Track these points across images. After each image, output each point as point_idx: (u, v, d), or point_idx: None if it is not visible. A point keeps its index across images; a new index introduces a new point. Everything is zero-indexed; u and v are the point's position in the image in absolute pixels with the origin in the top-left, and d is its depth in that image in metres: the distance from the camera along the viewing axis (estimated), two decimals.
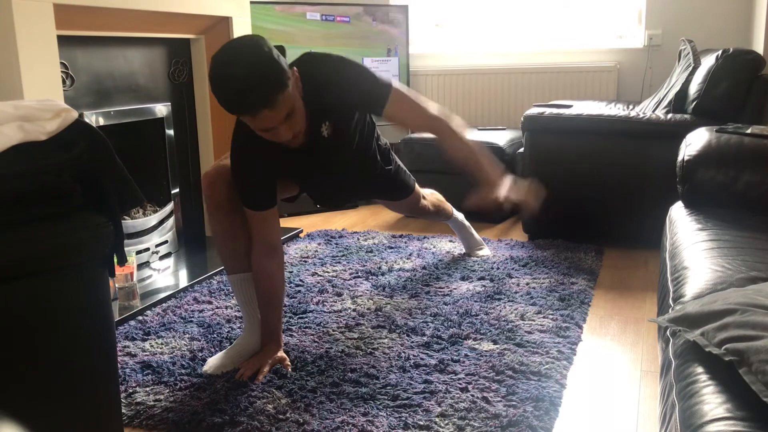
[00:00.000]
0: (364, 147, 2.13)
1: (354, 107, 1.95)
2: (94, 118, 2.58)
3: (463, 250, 3.03)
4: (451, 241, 3.21)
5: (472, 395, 1.76)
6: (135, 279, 2.58)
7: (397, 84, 1.91)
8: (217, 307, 2.43)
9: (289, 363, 1.97)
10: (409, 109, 1.92)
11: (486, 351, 2.02)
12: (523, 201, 1.98)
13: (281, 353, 1.98)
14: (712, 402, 0.95)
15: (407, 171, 2.50)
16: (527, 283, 2.59)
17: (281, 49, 1.80)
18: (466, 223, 2.96)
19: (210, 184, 1.97)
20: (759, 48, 3.53)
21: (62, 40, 2.39)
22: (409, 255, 3.00)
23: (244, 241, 2.01)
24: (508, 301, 2.42)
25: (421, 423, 1.64)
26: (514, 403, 1.72)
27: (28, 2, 2.13)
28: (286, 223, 3.68)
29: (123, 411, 1.74)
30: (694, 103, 2.93)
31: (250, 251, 2.01)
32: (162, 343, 2.14)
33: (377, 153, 2.25)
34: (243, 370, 1.90)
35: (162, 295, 2.52)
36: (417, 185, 2.57)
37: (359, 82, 1.87)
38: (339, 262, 2.91)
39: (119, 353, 2.08)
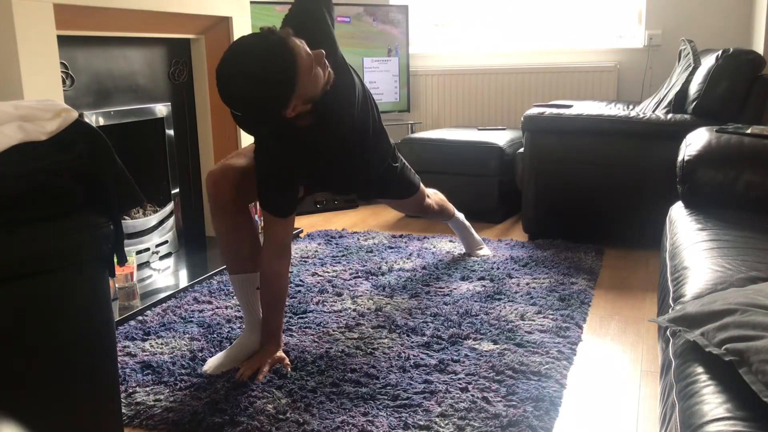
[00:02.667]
0: (375, 128, 2.18)
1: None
2: (94, 118, 2.58)
3: (463, 250, 3.03)
4: (451, 241, 3.21)
5: (472, 395, 1.76)
6: (135, 279, 2.58)
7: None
8: (217, 307, 2.43)
9: (289, 363, 1.97)
10: None
11: (486, 351, 2.02)
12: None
13: (281, 353, 1.99)
14: (712, 402, 0.95)
15: (412, 169, 2.52)
16: (527, 283, 2.59)
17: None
18: (467, 223, 2.96)
19: (214, 183, 1.96)
20: (759, 48, 3.53)
21: (62, 40, 2.39)
22: (409, 255, 3.00)
23: (247, 241, 2.01)
24: (508, 301, 2.42)
25: (421, 423, 1.64)
26: (514, 403, 1.72)
27: (28, 2, 2.13)
28: None
29: (123, 411, 1.74)
30: (694, 103, 2.93)
31: (253, 252, 2.01)
32: (162, 343, 2.14)
33: (387, 144, 2.30)
34: (243, 370, 1.90)
35: (162, 295, 2.52)
36: (422, 184, 2.59)
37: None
38: (339, 262, 2.91)
39: (119, 353, 2.07)
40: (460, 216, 2.94)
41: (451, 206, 2.85)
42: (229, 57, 1.72)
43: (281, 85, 1.71)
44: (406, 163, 2.47)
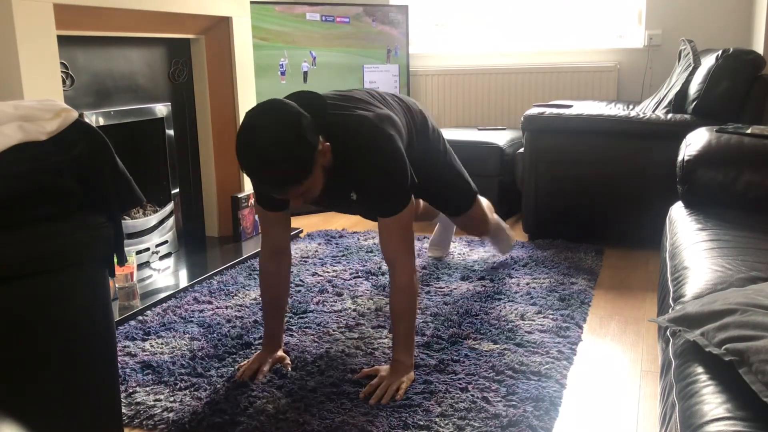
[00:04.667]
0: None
1: (369, 195, 1.87)
2: (94, 118, 2.58)
3: (462, 251, 3.03)
4: (451, 241, 3.20)
5: (472, 395, 1.76)
6: (135, 279, 2.58)
7: (411, 200, 1.85)
8: (217, 307, 2.43)
9: (290, 362, 1.97)
10: (394, 234, 1.84)
11: (486, 351, 2.02)
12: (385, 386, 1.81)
13: (281, 353, 1.98)
14: (712, 402, 0.95)
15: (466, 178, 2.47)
16: (527, 283, 2.59)
17: (319, 105, 1.69)
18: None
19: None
20: (759, 48, 3.53)
21: (62, 40, 2.39)
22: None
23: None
24: (508, 301, 2.42)
25: (421, 423, 1.64)
26: (514, 403, 1.72)
27: (28, 2, 2.13)
28: None
29: (123, 411, 1.74)
30: (694, 103, 2.93)
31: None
32: (162, 343, 2.14)
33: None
34: (243, 370, 1.90)
35: (162, 295, 2.52)
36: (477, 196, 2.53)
37: (390, 185, 1.80)
38: (339, 262, 2.91)
39: (119, 353, 2.07)
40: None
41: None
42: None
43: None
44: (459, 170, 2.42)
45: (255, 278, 2.74)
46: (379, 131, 1.81)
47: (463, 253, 3.00)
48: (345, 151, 1.76)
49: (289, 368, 1.94)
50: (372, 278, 2.71)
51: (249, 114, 1.62)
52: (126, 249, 1.65)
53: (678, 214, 1.99)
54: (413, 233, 1.87)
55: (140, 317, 2.36)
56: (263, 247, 1.98)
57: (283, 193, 1.65)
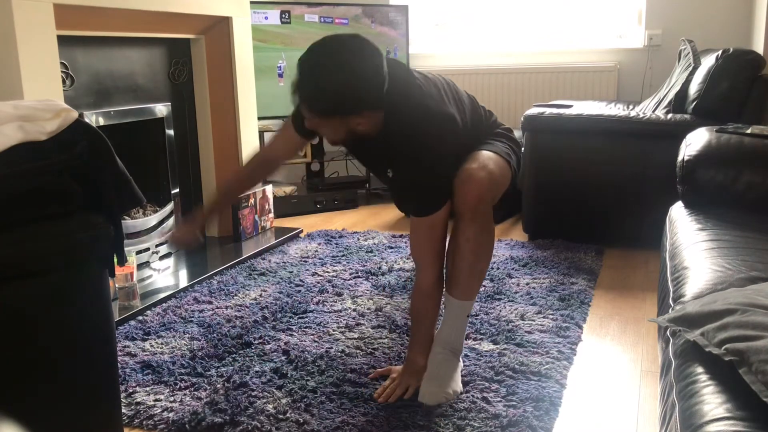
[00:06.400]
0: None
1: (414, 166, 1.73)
2: (94, 118, 2.58)
3: None
4: None
5: (472, 395, 1.76)
6: (135, 279, 2.58)
7: (447, 204, 1.76)
8: (217, 307, 2.43)
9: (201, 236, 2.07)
10: (422, 234, 1.77)
11: (486, 351, 2.02)
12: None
13: (205, 223, 2.14)
14: (712, 402, 0.95)
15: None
16: (527, 283, 2.59)
17: (400, 74, 1.66)
18: None
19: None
20: (759, 48, 3.53)
21: (62, 40, 2.39)
22: (409, 255, 2.99)
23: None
24: (508, 301, 2.42)
25: (421, 423, 1.64)
26: (514, 403, 1.72)
27: (28, 2, 2.13)
28: (286, 223, 3.68)
29: (123, 411, 1.74)
30: (694, 103, 2.93)
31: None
32: (162, 343, 2.14)
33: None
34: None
35: (162, 295, 2.52)
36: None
37: (427, 181, 1.71)
38: (339, 262, 2.91)
39: (119, 353, 2.07)
40: None
41: None
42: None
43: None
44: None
45: (255, 278, 2.74)
46: (435, 129, 1.70)
47: None
48: (396, 128, 1.68)
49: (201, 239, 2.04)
50: (372, 278, 2.71)
51: (338, 34, 1.59)
52: (126, 249, 1.65)
53: (678, 214, 1.99)
54: (444, 237, 1.78)
55: (140, 317, 2.36)
56: (261, 149, 2.02)
57: (305, 112, 1.63)
